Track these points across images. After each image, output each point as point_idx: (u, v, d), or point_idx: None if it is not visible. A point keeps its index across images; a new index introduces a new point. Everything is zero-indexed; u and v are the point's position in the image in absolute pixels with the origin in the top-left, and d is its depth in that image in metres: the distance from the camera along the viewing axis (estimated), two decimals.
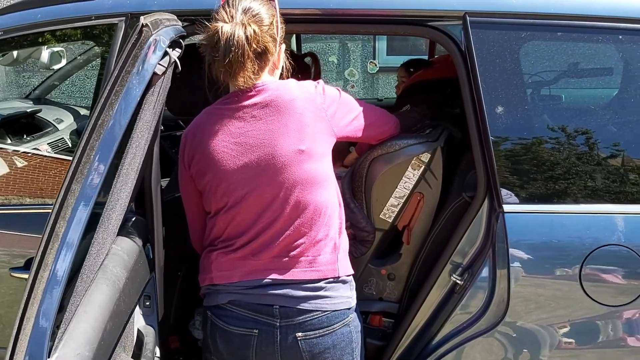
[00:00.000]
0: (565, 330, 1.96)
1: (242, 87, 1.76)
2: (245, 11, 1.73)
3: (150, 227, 2.06)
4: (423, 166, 2.17)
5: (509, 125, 1.95)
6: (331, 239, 1.84)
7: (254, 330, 1.79)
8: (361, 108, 1.97)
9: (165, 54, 1.63)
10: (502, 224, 1.93)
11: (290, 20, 1.96)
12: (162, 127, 4.02)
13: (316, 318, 1.77)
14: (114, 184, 1.50)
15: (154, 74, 1.56)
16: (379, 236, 2.29)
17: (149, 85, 1.56)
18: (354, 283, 1.90)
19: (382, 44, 6.37)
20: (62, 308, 1.29)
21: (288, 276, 1.79)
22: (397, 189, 2.21)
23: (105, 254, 1.55)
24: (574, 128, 1.99)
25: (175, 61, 1.68)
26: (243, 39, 1.68)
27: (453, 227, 2.12)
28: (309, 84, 1.85)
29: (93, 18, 2.18)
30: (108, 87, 1.46)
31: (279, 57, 1.85)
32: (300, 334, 1.77)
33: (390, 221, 2.26)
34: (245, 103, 1.78)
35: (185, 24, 2.03)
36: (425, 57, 4.08)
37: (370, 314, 2.37)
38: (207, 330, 1.88)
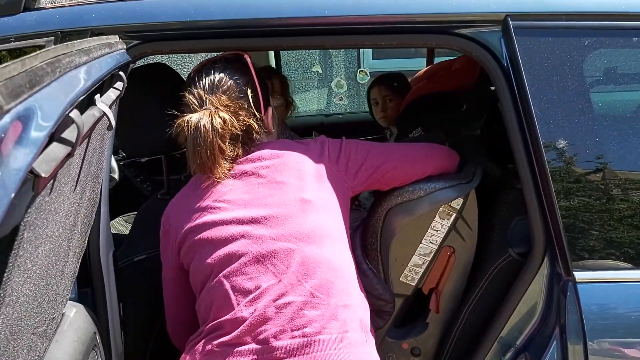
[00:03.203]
0: None
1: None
2: (213, 88, 1.48)
3: (102, 315, 1.61)
4: (454, 214, 1.67)
5: (576, 164, 1.46)
6: (355, 311, 1.38)
7: None
8: (379, 145, 1.62)
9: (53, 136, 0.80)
10: (574, 297, 1.44)
11: (270, 33, 1.57)
12: (124, 155, 3.49)
13: None
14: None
15: (37, 176, 0.73)
16: (398, 303, 1.79)
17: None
18: None
19: None
20: None
21: None
22: (421, 245, 1.71)
23: None
24: None
25: (104, 116, 1.06)
26: (211, 133, 1.42)
27: (499, 294, 1.64)
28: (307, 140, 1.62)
29: (12, 40, 1.65)
30: None
31: (270, 121, 1.59)
32: None
33: (414, 284, 1.76)
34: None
35: (135, 42, 1.57)
36: (412, 60, 3.57)
37: None
38: None
